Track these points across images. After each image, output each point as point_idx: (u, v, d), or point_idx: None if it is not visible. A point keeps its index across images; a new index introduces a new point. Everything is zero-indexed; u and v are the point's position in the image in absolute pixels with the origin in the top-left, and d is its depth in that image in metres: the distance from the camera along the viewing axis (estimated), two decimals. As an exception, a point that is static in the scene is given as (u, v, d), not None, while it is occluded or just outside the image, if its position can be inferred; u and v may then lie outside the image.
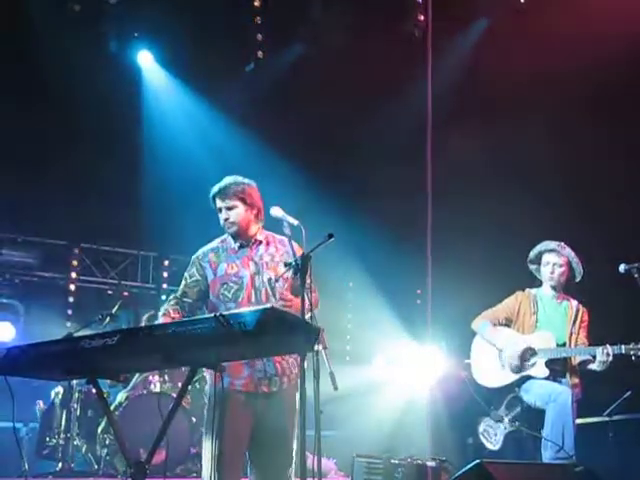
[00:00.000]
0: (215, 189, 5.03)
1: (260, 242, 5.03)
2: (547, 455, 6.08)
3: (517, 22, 9.09)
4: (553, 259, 6.65)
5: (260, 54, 10.01)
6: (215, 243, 5.08)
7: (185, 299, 4.94)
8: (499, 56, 8.90)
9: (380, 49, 9.34)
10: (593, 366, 6.32)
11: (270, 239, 5.07)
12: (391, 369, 9.43)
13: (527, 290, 6.82)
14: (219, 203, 5.00)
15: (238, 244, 5.00)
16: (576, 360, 6.47)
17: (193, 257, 5.05)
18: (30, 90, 9.35)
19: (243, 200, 4.98)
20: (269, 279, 4.89)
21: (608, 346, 6.16)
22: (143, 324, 8.13)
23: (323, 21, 9.72)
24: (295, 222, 4.75)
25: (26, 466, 7.84)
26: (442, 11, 7.22)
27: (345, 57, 9.59)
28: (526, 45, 8.77)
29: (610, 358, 6.14)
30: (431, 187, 6.30)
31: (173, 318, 4.79)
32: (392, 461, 6.22)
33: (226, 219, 4.97)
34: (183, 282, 4.99)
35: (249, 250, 4.99)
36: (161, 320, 4.81)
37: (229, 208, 4.97)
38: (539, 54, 8.72)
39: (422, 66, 6.66)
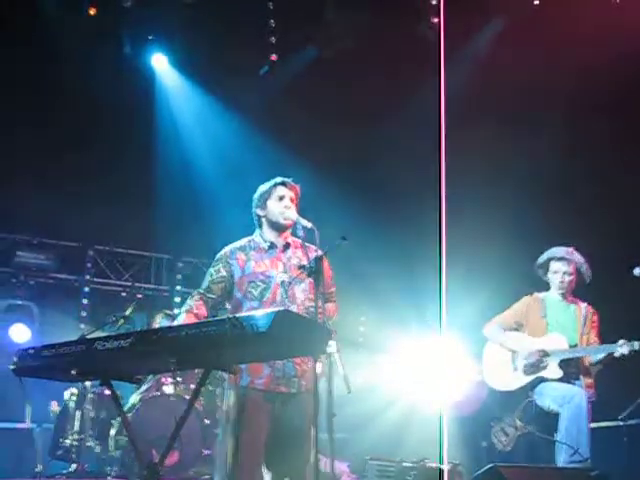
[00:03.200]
0: (282, 179, 5.10)
1: (289, 244, 5.07)
2: (562, 458, 6.05)
3: (532, 23, 9.07)
4: (562, 267, 6.64)
5: (274, 57, 10.02)
6: (243, 242, 5.12)
7: (209, 295, 4.96)
8: (514, 57, 8.88)
9: (394, 51, 9.34)
10: (602, 362, 6.34)
11: (297, 243, 5.11)
12: (404, 371, 9.40)
13: (535, 294, 6.81)
14: (284, 191, 5.07)
15: (268, 244, 5.04)
16: (589, 361, 6.46)
17: (220, 254, 5.07)
18: (45, 91, 9.39)
19: (297, 201, 5.09)
20: (288, 282, 4.91)
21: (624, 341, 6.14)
22: (156, 323, 8.14)
23: (337, 23, 9.72)
24: (308, 224, 4.80)
25: (40, 466, 7.89)
26: (456, 13, 7.21)
27: (359, 59, 9.59)
28: (541, 45, 8.75)
29: (631, 349, 6.09)
30: (445, 189, 6.28)
31: (196, 314, 4.82)
32: (404, 464, 6.21)
33: (287, 207, 5.02)
34: (208, 278, 5.01)
35: (278, 251, 5.03)
36: (184, 316, 4.83)
37: (292, 200, 5.05)
38: (554, 54, 8.70)
39: (436, 68, 6.66)
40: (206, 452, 7.67)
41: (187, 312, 4.86)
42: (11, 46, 9.08)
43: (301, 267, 4.72)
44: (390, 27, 9.44)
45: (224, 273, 4.99)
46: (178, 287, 11.13)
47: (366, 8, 9.52)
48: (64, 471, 7.65)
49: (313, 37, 10.05)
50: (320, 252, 4.65)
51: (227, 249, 5.10)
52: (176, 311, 8.22)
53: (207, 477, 7.60)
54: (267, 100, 10.14)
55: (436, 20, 9.20)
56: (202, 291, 4.99)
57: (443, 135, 6.33)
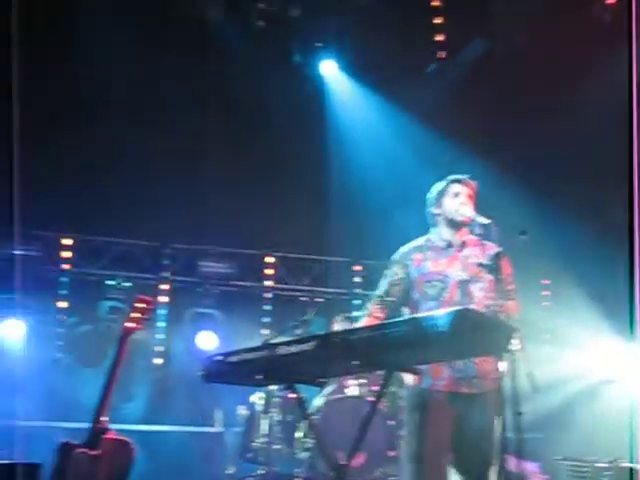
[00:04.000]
0: (457, 176, 5.06)
1: (466, 243, 5.00)
2: None
3: None
4: None
5: (441, 54, 9.93)
6: (420, 241, 5.08)
7: (388, 298, 4.96)
8: None
9: (568, 38, 9.04)
10: None
11: (475, 241, 5.03)
12: (593, 368, 9.11)
13: None
14: (459, 188, 5.03)
15: (445, 243, 4.99)
16: None
17: (395, 255, 5.06)
18: (219, 106, 9.69)
19: (474, 198, 5.03)
20: (468, 280, 4.84)
21: None
22: (336, 326, 8.21)
23: (505, 15, 9.53)
24: (487, 221, 4.71)
25: (231, 469, 8.12)
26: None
27: (531, 49, 9.35)
28: None
29: None
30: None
31: (377, 317, 4.83)
32: (598, 465, 6.01)
33: (462, 203, 4.97)
34: (386, 281, 5.01)
35: (455, 250, 4.98)
36: (365, 320, 4.85)
37: (469, 197, 5.00)
38: None
39: (615, 52, 6.37)
40: (391, 453, 7.67)
41: (367, 315, 4.89)
42: (187, 63, 9.44)
43: (480, 265, 4.66)
44: (563, 10, 9.14)
45: (401, 275, 4.97)
46: (356, 290, 11.19)
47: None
48: (254, 473, 7.83)
49: (481, 31, 9.90)
50: (499, 249, 4.57)
51: (403, 250, 5.07)
52: (355, 314, 8.28)
53: (393, 478, 7.60)
54: (436, 98, 10.06)
55: (611, 1, 8.85)
56: (381, 294, 4.99)
57: (635, 117, 6.03)
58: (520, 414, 4.06)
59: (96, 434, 5.54)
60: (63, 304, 10.10)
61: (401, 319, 3.70)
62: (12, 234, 9.24)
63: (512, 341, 4.00)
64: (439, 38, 9.82)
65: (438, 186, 5.11)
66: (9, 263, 9.55)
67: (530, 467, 7.98)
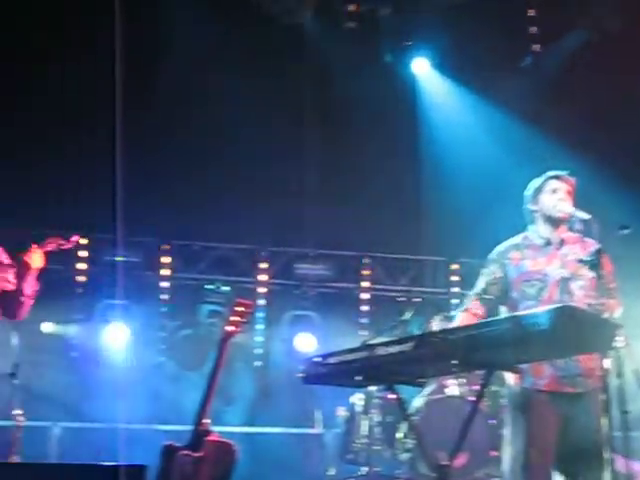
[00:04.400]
0: (555, 172, 4.99)
1: (564, 240, 4.92)
2: None
3: None
4: None
5: (536, 47, 9.77)
6: (517, 239, 5.01)
7: (485, 296, 4.90)
8: None
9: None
10: None
11: (574, 238, 4.94)
12: None
13: None
14: (557, 184, 4.95)
15: (543, 241, 4.91)
16: None
17: (492, 254, 5.00)
18: (313, 109, 9.75)
19: (572, 194, 4.94)
20: (568, 278, 4.76)
21: None
22: (434, 326, 8.17)
23: (603, 3, 9.31)
24: (587, 216, 4.62)
25: (332, 470, 8.15)
26: None
27: (629, 37, 9.11)
28: None
29: None
30: None
31: (476, 314, 4.79)
32: None
33: (560, 199, 4.88)
34: (483, 279, 4.96)
35: (554, 247, 4.89)
36: (463, 316, 4.84)
37: (568, 193, 4.92)
38: None
39: None
40: (494, 453, 7.58)
41: (465, 311, 4.85)
42: (279, 69, 9.53)
43: (580, 261, 4.57)
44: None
45: (499, 274, 4.91)
46: (454, 289, 11.10)
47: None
48: (355, 474, 7.84)
49: (577, 22, 9.70)
50: (599, 245, 4.48)
51: (500, 248, 5.01)
52: (453, 313, 8.21)
53: (496, 479, 7.51)
54: (531, 92, 9.91)
55: None
56: (479, 292, 4.94)
57: None
58: (627, 412, 3.98)
59: (199, 436, 5.63)
60: (164, 309, 10.30)
61: (501, 317, 3.66)
62: (114, 242, 9.51)
63: (616, 338, 3.91)
64: (533, 31, 9.65)
65: (535, 182, 5.03)
66: (112, 270, 9.81)
67: (638, 467, 7.78)
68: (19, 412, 5.76)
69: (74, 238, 5.72)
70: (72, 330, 9.93)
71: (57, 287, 9.51)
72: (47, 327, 9.84)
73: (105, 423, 8.50)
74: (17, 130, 9.02)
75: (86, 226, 8.95)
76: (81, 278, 9.99)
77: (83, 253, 9.85)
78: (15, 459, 5.70)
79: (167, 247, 10.32)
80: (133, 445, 5.88)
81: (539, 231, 4.97)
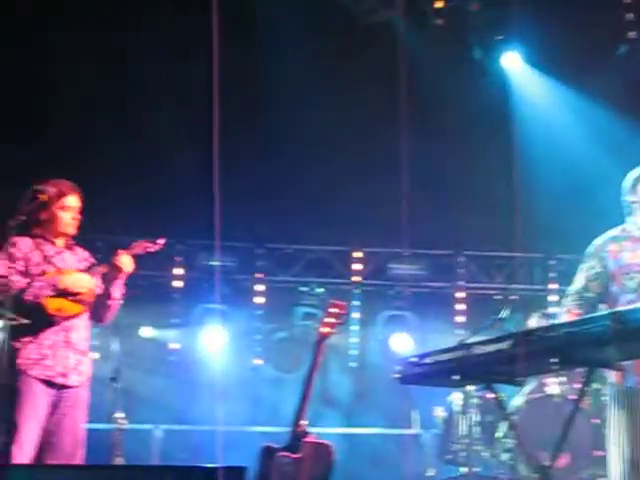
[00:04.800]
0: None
1: None
2: None
3: None
4: None
5: (632, 34, 9.51)
6: (616, 231, 4.90)
7: (586, 294, 4.79)
8: None
9: None
10: None
11: None
12: None
13: None
14: None
15: None
16: None
17: (590, 248, 4.89)
18: (406, 108, 9.70)
19: None
20: None
21: None
22: (532, 323, 8.04)
23: None
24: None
25: (431, 471, 8.09)
26: None
27: None
28: None
29: None
30: None
31: (577, 314, 4.69)
32: None
33: None
34: (582, 276, 4.85)
35: None
36: (564, 317, 4.73)
37: None
38: None
39: None
40: (598, 453, 7.41)
41: (566, 312, 4.75)
42: (372, 70, 9.53)
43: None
44: None
45: (599, 269, 4.79)
46: (552, 285, 10.92)
47: None
48: (454, 475, 7.77)
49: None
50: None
51: (598, 242, 4.89)
52: (551, 310, 8.07)
53: (602, 479, 7.34)
54: (628, 82, 9.67)
55: None
56: (578, 290, 4.83)
57: None
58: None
59: (297, 438, 5.64)
60: (259, 312, 10.40)
61: (601, 313, 3.56)
62: (209, 247, 9.65)
63: None
64: (630, 17, 9.39)
65: (633, 173, 4.90)
66: (208, 274, 9.96)
67: None
68: (121, 415, 5.85)
69: (160, 241, 5.74)
70: (170, 334, 10.12)
71: (155, 292, 9.75)
72: (146, 332, 10.05)
73: (204, 425, 8.63)
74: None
75: (182, 232, 9.11)
76: (178, 283, 10.18)
77: (179, 258, 10.02)
78: (119, 461, 5.81)
79: (261, 251, 10.42)
80: (232, 447, 5.93)
81: (638, 222, 4.85)
